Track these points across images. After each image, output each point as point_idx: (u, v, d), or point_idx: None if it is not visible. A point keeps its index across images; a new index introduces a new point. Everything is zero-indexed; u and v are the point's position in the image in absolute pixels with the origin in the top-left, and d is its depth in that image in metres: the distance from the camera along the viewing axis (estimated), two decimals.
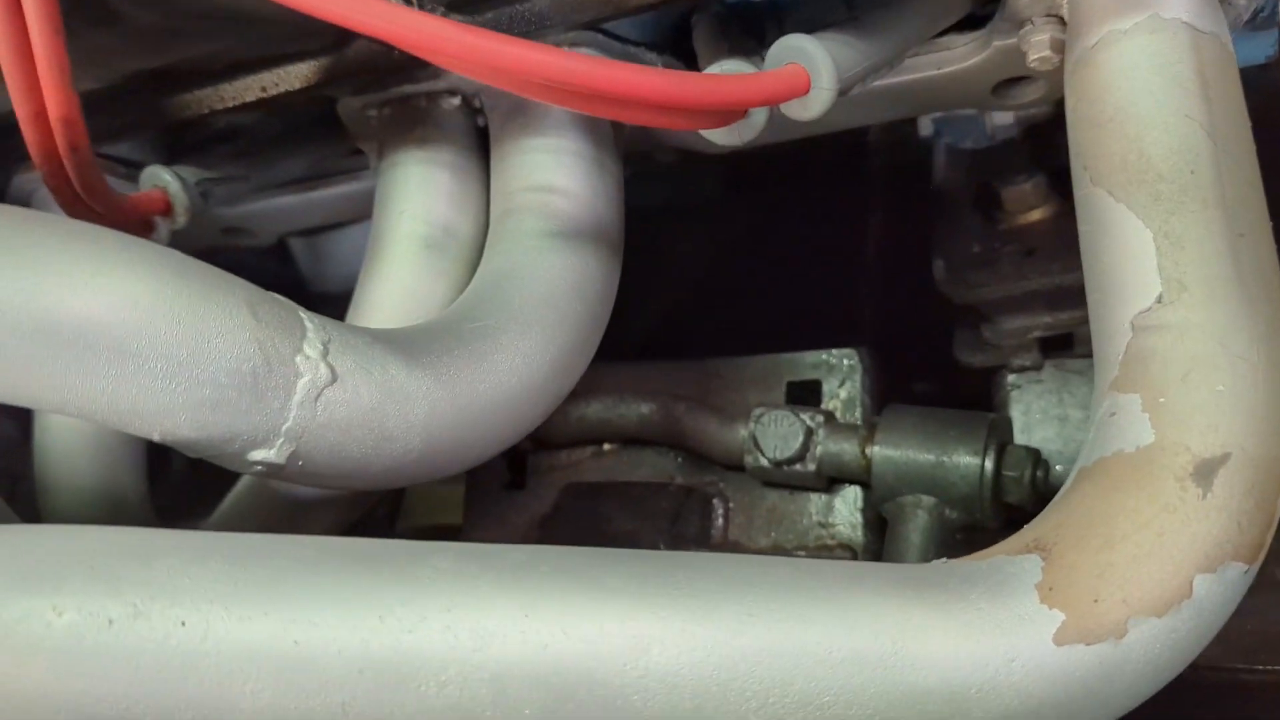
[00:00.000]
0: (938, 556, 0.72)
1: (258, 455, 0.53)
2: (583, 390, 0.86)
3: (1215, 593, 0.46)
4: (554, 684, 0.43)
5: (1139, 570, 0.46)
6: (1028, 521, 0.52)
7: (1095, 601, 0.45)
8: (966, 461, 0.72)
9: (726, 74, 0.55)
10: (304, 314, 0.55)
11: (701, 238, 1.09)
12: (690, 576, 0.46)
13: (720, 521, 0.82)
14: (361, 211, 0.88)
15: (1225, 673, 0.72)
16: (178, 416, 0.50)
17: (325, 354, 0.53)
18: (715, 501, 0.83)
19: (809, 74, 0.56)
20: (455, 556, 0.46)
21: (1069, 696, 0.45)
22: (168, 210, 0.74)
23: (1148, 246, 0.51)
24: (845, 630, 0.45)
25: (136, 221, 0.73)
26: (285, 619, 0.43)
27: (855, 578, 0.47)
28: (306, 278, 1.26)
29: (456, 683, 0.43)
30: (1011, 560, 0.48)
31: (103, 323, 0.47)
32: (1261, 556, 0.48)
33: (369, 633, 0.43)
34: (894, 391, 0.86)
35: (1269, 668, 0.72)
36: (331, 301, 0.76)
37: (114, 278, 0.48)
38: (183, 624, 0.42)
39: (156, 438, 0.51)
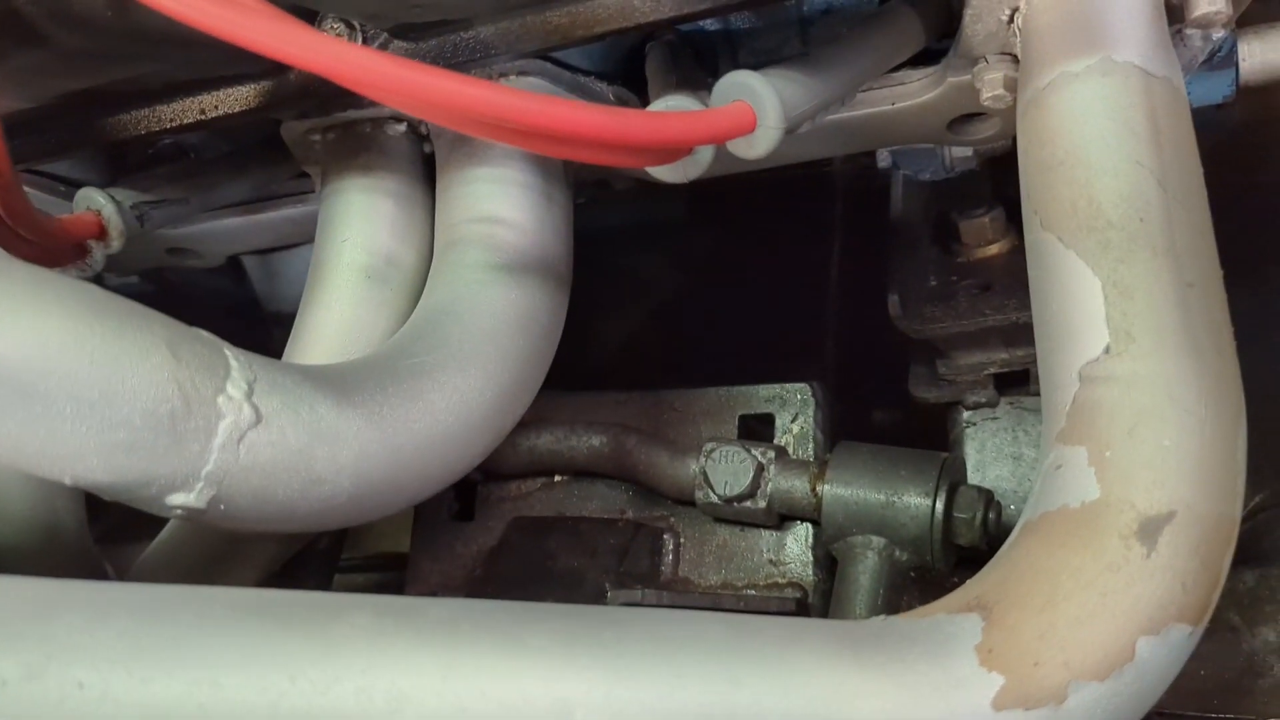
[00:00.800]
0: (887, 598, 0.71)
1: (176, 500, 0.50)
2: (534, 421, 0.84)
3: (1159, 655, 0.45)
4: None
5: (1081, 632, 0.44)
6: (980, 562, 0.51)
7: (1036, 664, 0.44)
8: (917, 502, 0.70)
9: (671, 111, 0.54)
10: (229, 351, 0.52)
11: (659, 266, 1.08)
12: (619, 635, 0.44)
13: (670, 557, 0.81)
14: (309, 234, 0.86)
15: (1178, 719, 0.71)
16: (89, 460, 0.48)
17: (250, 394, 0.51)
18: (665, 537, 0.81)
19: (755, 112, 0.54)
20: (373, 612, 0.44)
21: None
22: (102, 234, 0.72)
23: (1096, 295, 0.50)
24: (778, 694, 0.43)
25: (68, 246, 0.71)
26: (190, 680, 0.41)
27: (791, 637, 0.45)
28: (260, 296, 1.24)
29: None
30: (951, 619, 0.46)
31: (7, 362, 0.45)
32: (1207, 617, 0.47)
33: (278, 695, 0.41)
34: (850, 424, 0.85)
35: (1223, 715, 0.71)
36: (285, 321, 0.74)
37: (21, 315, 0.46)
38: (80, 685, 0.40)
39: (68, 481, 0.49)
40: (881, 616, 0.48)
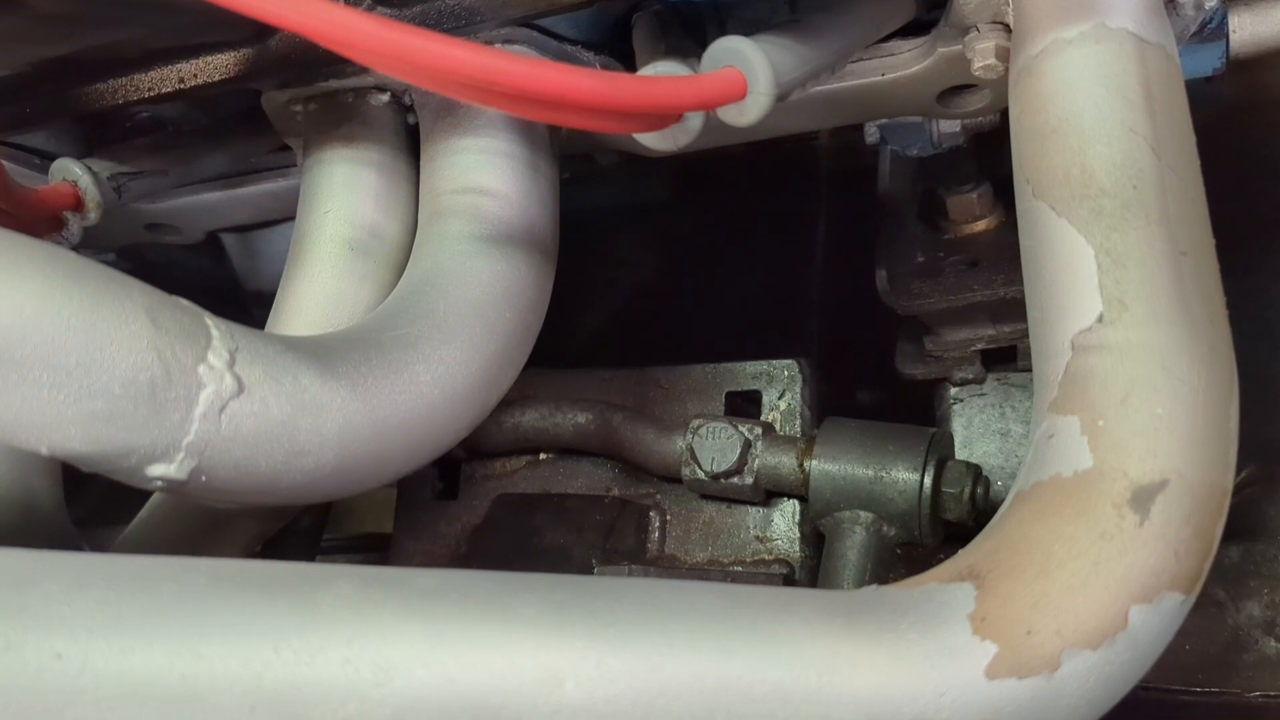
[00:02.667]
0: (875, 573, 0.71)
1: (157, 471, 0.49)
2: (518, 398, 0.83)
3: (1151, 624, 0.45)
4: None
5: (1074, 601, 0.44)
6: (968, 538, 0.50)
7: (1029, 633, 0.44)
8: (905, 477, 0.70)
9: (660, 76, 0.53)
10: (210, 320, 0.51)
11: (646, 243, 1.07)
12: (609, 605, 0.44)
13: (656, 535, 0.80)
14: (290, 209, 0.85)
15: (1164, 694, 0.71)
16: (67, 430, 0.47)
17: (231, 363, 0.50)
18: (652, 514, 0.81)
19: (746, 78, 0.53)
20: (359, 582, 0.43)
21: None
22: (78, 205, 0.70)
23: (1089, 263, 0.50)
24: (770, 663, 0.43)
25: (44, 217, 0.70)
26: (171, 650, 0.40)
27: (783, 606, 0.45)
28: (241, 275, 1.22)
29: (357, 719, 0.40)
30: (944, 588, 0.46)
31: None
32: (1199, 586, 0.47)
33: (262, 665, 0.40)
34: (837, 402, 0.85)
35: (1209, 689, 0.71)
36: (266, 301, 0.73)
37: None
38: (59, 656, 0.39)
39: (45, 451, 0.48)
40: (873, 586, 0.47)
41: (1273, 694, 0.70)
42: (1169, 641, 0.47)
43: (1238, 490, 0.50)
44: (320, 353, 0.55)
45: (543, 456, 0.86)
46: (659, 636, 0.43)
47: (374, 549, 1.03)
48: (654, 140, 0.56)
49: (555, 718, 0.41)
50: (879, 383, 0.91)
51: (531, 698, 0.41)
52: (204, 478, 0.51)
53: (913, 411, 0.85)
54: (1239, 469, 0.50)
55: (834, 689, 0.42)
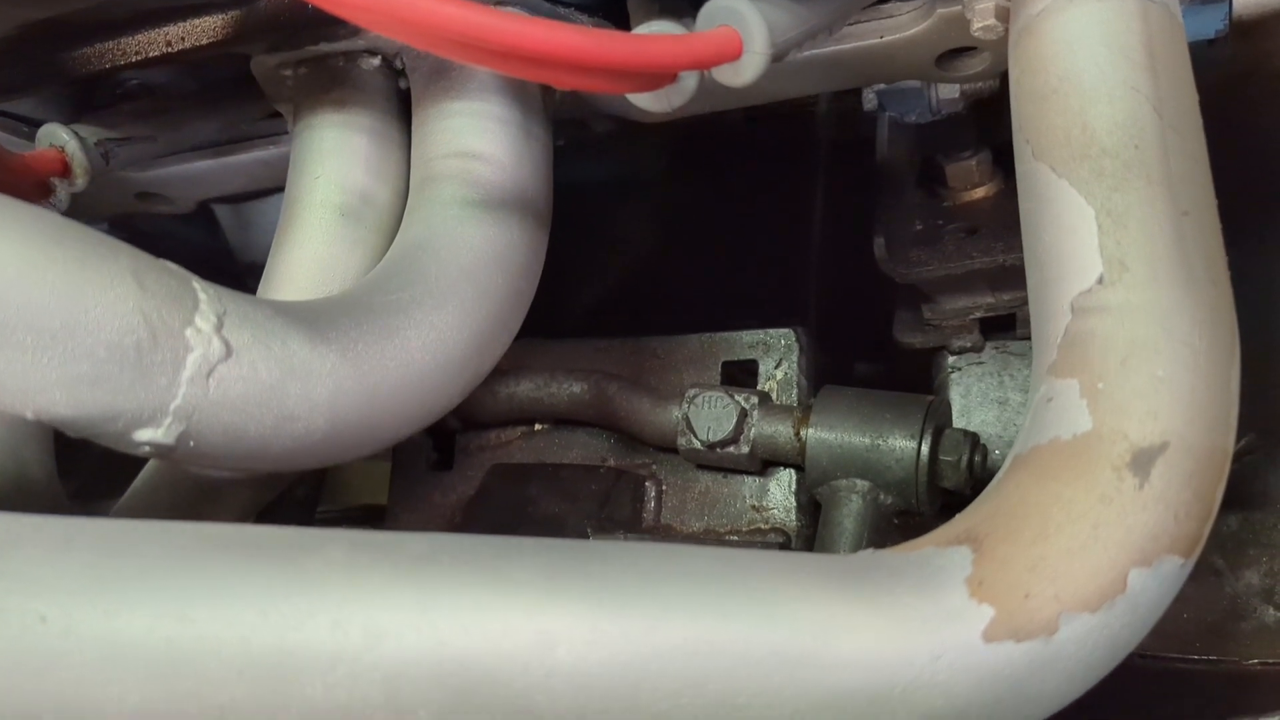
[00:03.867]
0: (872, 542, 0.71)
1: (144, 435, 0.49)
2: (513, 368, 0.83)
3: (1150, 587, 0.44)
4: (452, 684, 0.40)
5: (1072, 564, 0.44)
6: (965, 507, 0.50)
7: (1026, 597, 0.43)
8: (902, 445, 0.69)
9: (654, 34, 0.52)
10: (198, 283, 0.51)
11: (642, 213, 1.06)
12: (603, 568, 0.43)
13: (652, 505, 0.80)
14: (283, 179, 0.84)
15: (1161, 662, 0.71)
16: (52, 393, 0.46)
17: (219, 327, 0.50)
18: (647, 484, 0.80)
19: (741, 37, 0.53)
20: (349, 546, 0.43)
21: (997, 696, 0.43)
22: (65, 171, 0.69)
23: (1089, 224, 0.49)
24: (765, 626, 0.42)
25: (31, 183, 0.69)
26: (156, 614, 0.39)
27: (778, 570, 0.44)
28: (234, 247, 1.21)
29: (345, 684, 0.40)
30: (941, 552, 0.45)
31: None
32: (1199, 549, 0.46)
33: (249, 630, 0.40)
34: (834, 372, 0.84)
35: (1205, 657, 0.71)
36: (259, 273, 0.72)
37: None
38: (42, 619, 0.39)
39: (30, 415, 0.47)
40: (869, 550, 0.47)
41: (1271, 661, 0.69)
42: (1168, 605, 0.46)
43: (1237, 459, 0.50)
44: (310, 318, 0.54)
45: (538, 427, 0.86)
46: (653, 600, 0.42)
47: (369, 521, 1.02)
48: (648, 101, 0.55)
49: (549, 681, 0.41)
50: (877, 352, 0.90)
51: (524, 661, 0.41)
52: (192, 443, 0.50)
53: (910, 380, 0.84)
54: (1238, 438, 0.49)
55: (830, 652, 0.42)
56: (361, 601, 0.41)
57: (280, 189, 0.80)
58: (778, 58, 0.54)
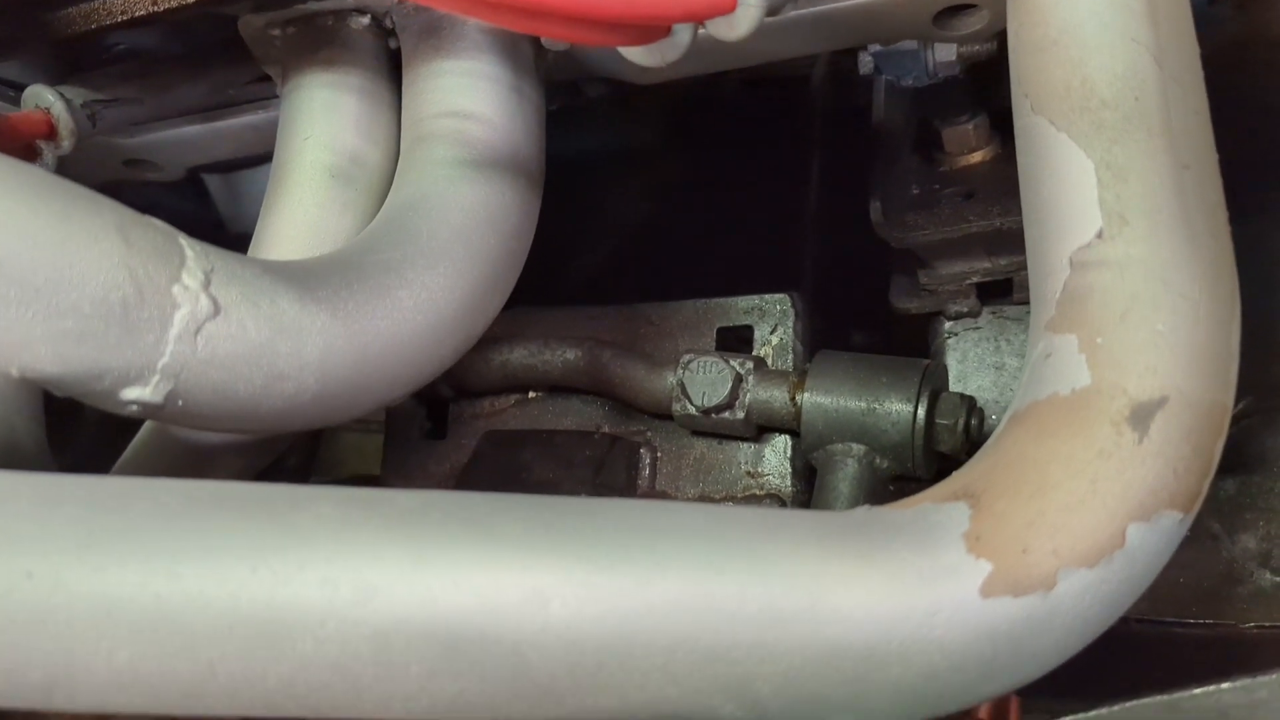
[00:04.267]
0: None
1: (131, 394, 0.48)
2: (506, 335, 0.82)
3: (1149, 542, 0.44)
4: (443, 640, 0.40)
5: (1071, 519, 0.43)
6: None
7: (1024, 552, 0.43)
8: (898, 409, 0.69)
9: None
10: (184, 240, 0.50)
11: (638, 181, 1.05)
12: (596, 524, 0.43)
13: (647, 471, 0.79)
14: (272, 144, 0.83)
15: (1157, 626, 0.70)
16: (37, 349, 0.45)
17: (207, 284, 0.49)
18: (642, 451, 0.80)
19: None
20: (339, 502, 0.42)
21: (994, 651, 0.42)
22: (52, 133, 0.68)
23: (1088, 178, 0.48)
24: (760, 581, 0.42)
25: (17, 146, 0.68)
26: (145, 570, 0.39)
27: (773, 525, 0.44)
28: (225, 218, 1.20)
29: (336, 639, 0.39)
30: (938, 508, 0.45)
31: None
32: (1198, 505, 0.46)
33: (238, 585, 0.39)
34: (830, 337, 0.83)
35: (1202, 621, 0.71)
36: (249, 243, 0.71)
37: None
38: (29, 575, 0.38)
39: (15, 373, 0.47)
40: (866, 507, 0.46)
41: (1267, 625, 0.69)
42: (1166, 561, 0.46)
43: (1235, 422, 0.49)
44: (300, 276, 0.54)
45: (532, 395, 0.85)
46: (647, 555, 0.42)
47: None
48: (641, 56, 0.54)
49: (540, 637, 0.40)
50: (873, 317, 0.90)
51: (516, 617, 0.40)
52: (181, 402, 0.49)
53: (907, 346, 0.83)
54: (1236, 402, 0.49)
55: (826, 607, 0.41)
56: (351, 557, 0.40)
57: (270, 155, 0.79)
58: (773, 12, 0.53)
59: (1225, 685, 0.49)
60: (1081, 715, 0.50)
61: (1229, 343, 0.47)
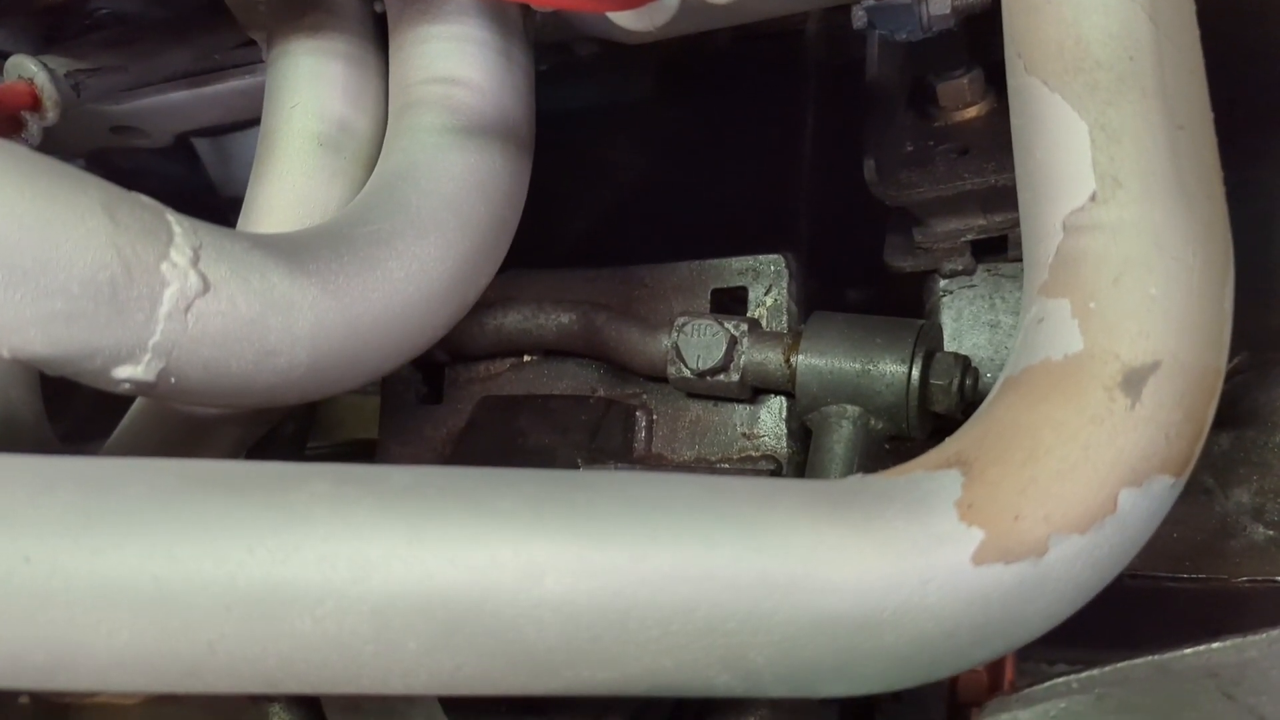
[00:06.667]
0: (863, 468, 0.70)
1: (123, 373, 0.48)
2: (500, 299, 0.82)
3: (1141, 507, 0.44)
4: (440, 615, 0.40)
5: (1062, 485, 0.43)
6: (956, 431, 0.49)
7: (1016, 519, 0.43)
8: (893, 370, 0.69)
9: None
10: (172, 216, 0.50)
11: (630, 141, 1.04)
12: (590, 498, 0.43)
13: (643, 434, 0.80)
14: (260, 109, 0.82)
15: (1151, 581, 0.71)
16: (27, 331, 0.45)
17: (195, 261, 0.49)
18: (638, 414, 0.80)
19: None
20: (335, 480, 0.43)
21: (986, 618, 0.43)
22: (36, 104, 0.68)
23: (1082, 140, 0.48)
24: (753, 551, 0.42)
25: (1, 117, 0.67)
26: (142, 552, 0.39)
27: (765, 495, 0.44)
28: (215, 181, 1.19)
29: (334, 616, 0.40)
30: (930, 475, 0.45)
31: None
32: (1189, 469, 0.46)
33: (236, 565, 0.40)
34: (825, 298, 0.83)
35: (1195, 575, 0.71)
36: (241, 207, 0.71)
37: None
38: (27, 559, 0.39)
39: (7, 354, 0.46)
40: (858, 475, 0.46)
41: (1260, 580, 0.70)
42: (1158, 524, 0.46)
43: (1229, 377, 0.49)
44: (289, 250, 0.53)
45: (526, 358, 0.85)
46: (641, 528, 0.42)
47: (359, 455, 1.02)
48: (630, 20, 0.53)
49: (536, 611, 0.41)
50: (867, 277, 0.89)
51: (512, 592, 0.41)
52: (173, 379, 0.49)
53: (902, 305, 0.83)
54: (1231, 356, 0.49)
55: (819, 576, 0.42)
56: (348, 535, 0.41)
57: (259, 120, 0.78)
58: None
59: (1215, 645, 0.49)
60: (1074, 676, 0.51)
61: (1222, 306, 0.47)
